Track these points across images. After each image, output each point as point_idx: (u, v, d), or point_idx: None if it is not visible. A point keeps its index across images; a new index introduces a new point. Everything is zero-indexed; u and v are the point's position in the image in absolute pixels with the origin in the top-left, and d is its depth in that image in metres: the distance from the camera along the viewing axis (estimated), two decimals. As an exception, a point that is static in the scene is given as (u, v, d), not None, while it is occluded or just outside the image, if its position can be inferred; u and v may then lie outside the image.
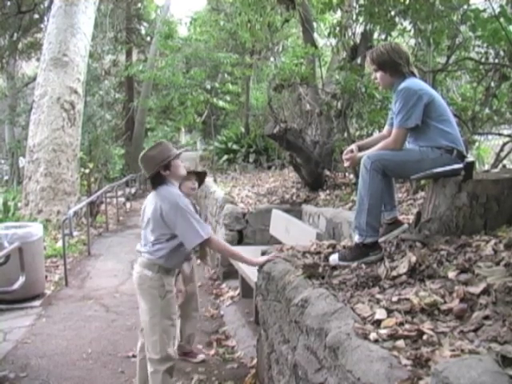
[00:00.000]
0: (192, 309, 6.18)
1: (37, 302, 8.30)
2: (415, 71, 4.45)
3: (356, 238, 4.21)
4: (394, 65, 4.35)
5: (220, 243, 4.79)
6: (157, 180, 4.63)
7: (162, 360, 4.49)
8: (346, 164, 4.52)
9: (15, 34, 28.47)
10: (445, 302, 2.80)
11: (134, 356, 6.17)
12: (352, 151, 4.45)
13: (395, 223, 4.57)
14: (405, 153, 4.29)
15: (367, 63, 4.64)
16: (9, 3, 26.71)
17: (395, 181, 4.91)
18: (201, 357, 6.11)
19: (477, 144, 8.98)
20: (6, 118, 30.37)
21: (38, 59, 21.62)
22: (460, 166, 4.12)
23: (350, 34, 9.59)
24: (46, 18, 24.16)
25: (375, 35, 9.46)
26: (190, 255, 5.88)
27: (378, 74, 4.49)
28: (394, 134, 4.24)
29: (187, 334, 6.14)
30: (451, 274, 3.13)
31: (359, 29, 9.64)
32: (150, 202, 4.70)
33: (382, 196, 4.28)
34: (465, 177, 4.00)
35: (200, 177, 6.02)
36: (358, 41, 9.57)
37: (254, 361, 5.50)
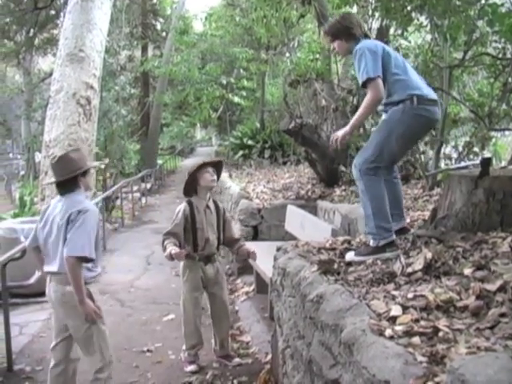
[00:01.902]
0: (220, 312, 5.97)
1: (53, 296, 8.34)
2: (369, 33, 4.75)
3: (371, 243, 4.18)
4: (346, 31, 4.56)
5: (80, 271, 4.24)
6: (69, 185, 4.45)
7: (105, 366, 4.45)
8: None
9: (32, 30, 28.63)
10: (461, 299, 2.79)
11: (148, 351, 6.21)
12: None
13: (403, 231, 4.51)
14: (373, 137, 4.42)
15: (323, 38, 4.84)
16: (25, -1, 26.83)
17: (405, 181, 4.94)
18: (236, 361, 5.90)
19: (494, 140, 8.94)
20: (23, 114, 30.57)
21: (55, 55, 21.71)
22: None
23: (366, 29, 9.54)
24: (62, 14, 24.19)
25: (391, 30, 9.41)
26: (214, 256, 5.86)
27: (336, 44, 4.69)
28: (368, 91, 4.26)
29: (220, 339, 5.96)
30: (467, 271, 3.11)
31: (375, 24, 9.59)
32: (55, 211, 4.48)
33: (383, 196, 4.26)
34: (481, 173, 3.98)
35: (217, 168, 5.95)
36: (373, 36, 9.53)
37: (269, 356, 5.50)
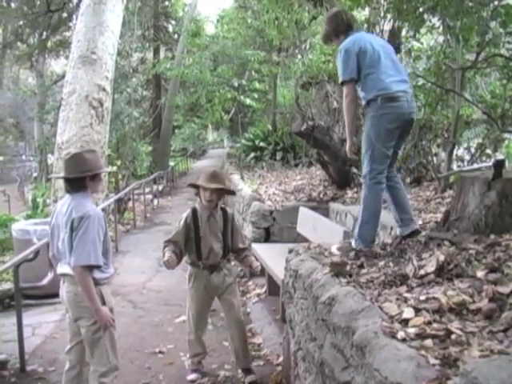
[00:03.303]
0: (230, 321, 5.68)
1: (65, 298, 8.38)
2: (353, 24, 5.16)
3: (352, 244, 4.68)
4: (333, 32, 5.14)
5: (89, 279, 4.24)
6: (76, 184, 4.45)
7: (110, 371, 4.43)
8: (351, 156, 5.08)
9: (44, 33, 28.78)
10: (473, 302, 2.78)
11: (160, 352, 6.22)
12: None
13: (415, 233, 4.71)
14: (362, 147, 4.82)
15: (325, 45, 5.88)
16: (38, 2, 26.98)
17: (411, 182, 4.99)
18: (251, 377, 5.51)
19: (506, 142, 8.89)
20: (36, 116, 30.75)
21: (67, 57, 21.81)
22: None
23: (377, 31, 9.52)
24: (74, 17, 24.35)
25: (403, 32, 9.39)
26: (221, 265, 5.58)
27: (335, 44, 5.24)
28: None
29: (233, 349, 5.69)
30: (480, 274, 3.10)
31: (387, 26, 9.57)
32: (61, 212, 4.46)
33: (377, 211, 4.71)
34: (494, 175, 3.96)
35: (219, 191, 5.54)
36: (385, 38, 9.51)
37: (281, 358, 5.51)
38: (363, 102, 4.91)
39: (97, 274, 4.32)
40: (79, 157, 4.49)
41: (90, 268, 4.20)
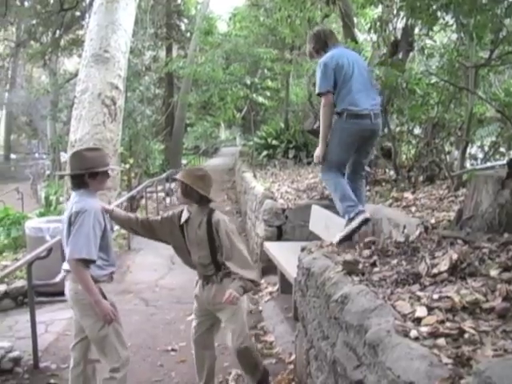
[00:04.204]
0: (231, 350, 5.07)
1: (78, 295, 8.42)
2: (330, 40, 5.92)
3: (346, 218, 5.54)
4: (314, 50, 6.03)
5: (84, 272, 4.24)
6: (76, 182, 4.49)
7: (121, 366, 4.43)
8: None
9: (57, 32, 28.95)
10: (487, 301, 2.76)
11: (173, 350, 6.24)
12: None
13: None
14: (329, 145, 5.64)
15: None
16: (51, 1, 27.11)
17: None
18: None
19: (521, 140, 8.84)
20: (49, 114, 30.93)
21: (80, 55, 21.89)
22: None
23: (390, 28, 9.49)
24: (87, 15, 24.45)
25: (416, 30, 9.35)
26: (212, 278, 4.87)
27: (318, 59, 5.89)
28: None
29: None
30: (493, 272, 3.08)
31: (400, 23, 9.53)
32: (68, 205, 4.54)
33: (343, 185, 5.63)
34: (508, 174, 3.94)
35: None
36: (398, 36, 9.47)
37: (293, 356, 5.50)
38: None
39: (95, 271, 4.34)
40: (79, 154, 4.56)
41: (85, 262, 4.21)
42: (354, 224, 5.34)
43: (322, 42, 5.92)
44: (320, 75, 5.56)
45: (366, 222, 5.48)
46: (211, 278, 4.88)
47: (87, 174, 4.41)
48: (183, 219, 4.95)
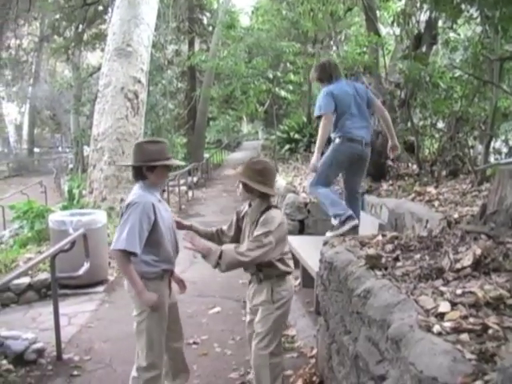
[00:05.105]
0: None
1: (100, 288, 8.49)
2: (334, 73, 6.82)
3: (337, 222, 6.33)
4: (318, 78, 7.03)
5: (125, 263, 4.20)
6: (135, 173, 4.45)
7: (151, 367, 4.31)
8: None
9: (80, 26, 29.15)
10: (511, 297, 2.74)
11: (194, 343, 6.26)
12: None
13: None
14: (321, 161, 6.62)
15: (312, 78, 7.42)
16: (75, -4, 27.27)
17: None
18: None
19: (545, 134, 8.75)
20: (72, 108, 31.12)
21: (103, 50, 21.99)
22: None
23: (414, 22, 9.43)
24: (110, 10, 24.54)
25: (440, 23, 9.29)
26: (254, 276, 4.59)
27: (321, 86, 7.04)
28: (320, 120, 6.57)
29: None
30: (518, 268, 3.06)
31: (423, 16, 9.48)
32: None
33: (329, 194, 6.63)
34: (533, 168, 3.91)
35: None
36: (422, 29, 9.42)
37: (314, 351, 5.49)
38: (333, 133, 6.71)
39: (142, 267, 4.26)
40: (139, 147, 4.48)
41: (128, 254, 4.13)
42: (346, 228, 6.18)
43: (327, 74, 6.81)
44: (323, 100, 6.57)
45: (355, 228, 6.27)
46: (253, 278, 4.61)
47: (145, 166, 4.35)
48: (243, 212, 4.71)
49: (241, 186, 4.54)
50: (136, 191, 4.36)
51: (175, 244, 4.55)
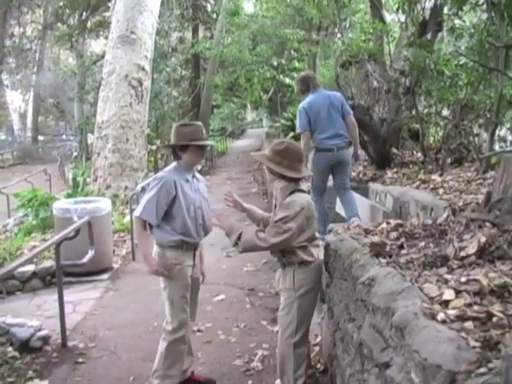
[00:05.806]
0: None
1: (105, 276, 8.54)
2: (312, 84, 7.74)
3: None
4: (299, 91, 7.98)
5: (139, 228, 4.68)
6: (172, 153, 4.90)
7: (179, 327, 4.64)
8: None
9: (84, 13, 29.11)
10: (516, 285, 2.74)
11: (199, 330, 6.27)
12: None
13: None
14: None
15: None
16: (78, -17, 27.20)
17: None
18: None
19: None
20: (76, 96, 31.09)
21: (107, 37, 22.00)
22: None
23: (419, 8, 9.38)
24: (114, -3, 24.49)
25: (445, 10, 9.23)
26: (278, 261, 4.51)
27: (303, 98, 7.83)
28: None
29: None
30: (523, 256, 3.05)
31: (429, 3, 9.43)
32: None
33: (322, 212, 7.62)
34: (539, 155, 3.89)
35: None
36: (427, 16, 9.36)
37: (319, 338, 5.51)
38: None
39: (160, 236, 4.63)
40: (174, 129, 4.80)
41: (142, 221, 4.57)
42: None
43: (306, 85, 7.74)
44: (299, 118, 7.57)
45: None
46: (278, 262, 4.53)
47: (178, 147, 4.69)
48: (274, 194, 4.60)
49: (265, 167, 4.69)
50: (167, 169, 4.79)
51: (202, 223, 4.82)
